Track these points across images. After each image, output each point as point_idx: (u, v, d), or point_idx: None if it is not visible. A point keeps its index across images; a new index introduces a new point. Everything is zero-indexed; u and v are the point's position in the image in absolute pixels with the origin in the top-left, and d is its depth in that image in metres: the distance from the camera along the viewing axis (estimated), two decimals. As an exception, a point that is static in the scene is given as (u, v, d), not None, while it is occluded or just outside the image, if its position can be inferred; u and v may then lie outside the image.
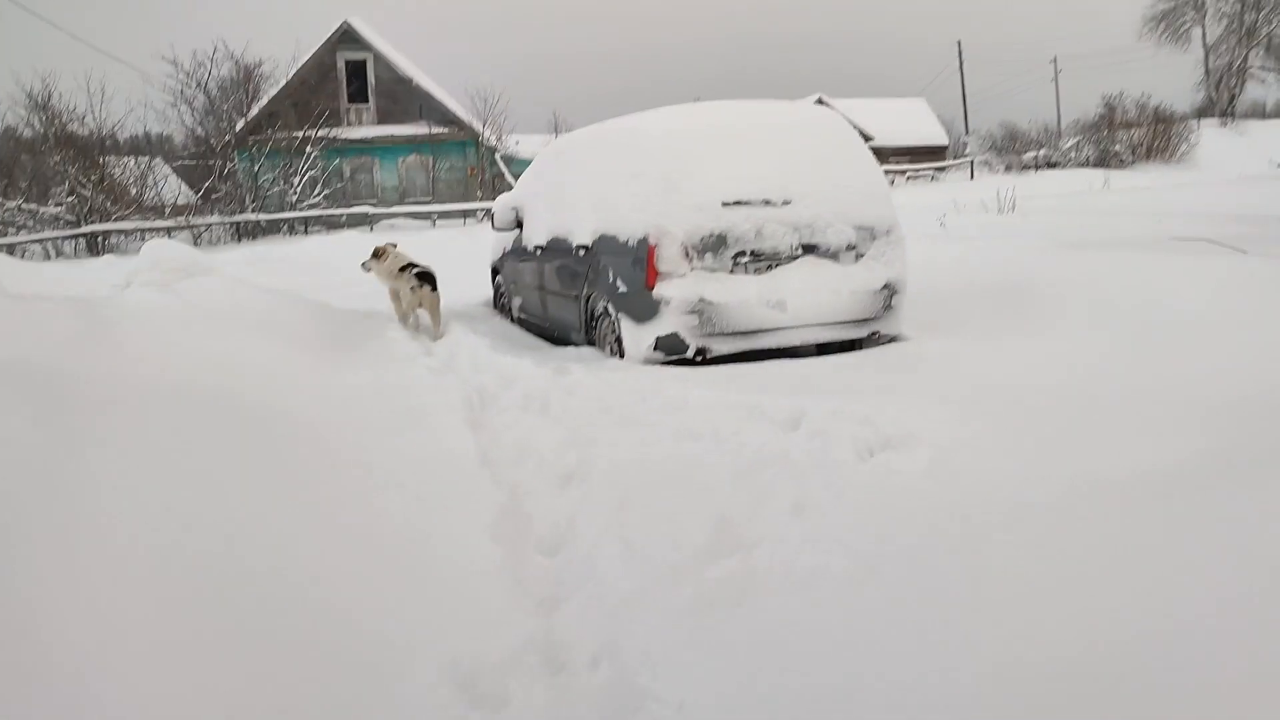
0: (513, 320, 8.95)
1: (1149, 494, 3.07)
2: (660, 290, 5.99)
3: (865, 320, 6.30)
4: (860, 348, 6.54)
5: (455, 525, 3.57)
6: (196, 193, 28.16)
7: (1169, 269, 7.02)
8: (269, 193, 26.61)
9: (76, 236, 24.45)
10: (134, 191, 27.25)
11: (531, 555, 3.59)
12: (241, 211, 26.35)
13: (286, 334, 6.19)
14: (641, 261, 6.06)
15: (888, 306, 6.35)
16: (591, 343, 7.02)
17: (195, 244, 25.04)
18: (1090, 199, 18.02)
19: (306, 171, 26.37)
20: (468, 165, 30.03)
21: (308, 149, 26.54)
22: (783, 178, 6.22)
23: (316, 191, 27.29)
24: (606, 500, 3.93)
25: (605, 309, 6.60)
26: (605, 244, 6.55)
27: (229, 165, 26.91)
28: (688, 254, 5.99)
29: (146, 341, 4.63)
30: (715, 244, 6.03)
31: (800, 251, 6.18)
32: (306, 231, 25.74)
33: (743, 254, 6.08)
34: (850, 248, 6.30)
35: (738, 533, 3.54)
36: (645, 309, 6.09)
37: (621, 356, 6.41)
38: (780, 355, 6.25)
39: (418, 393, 5.50)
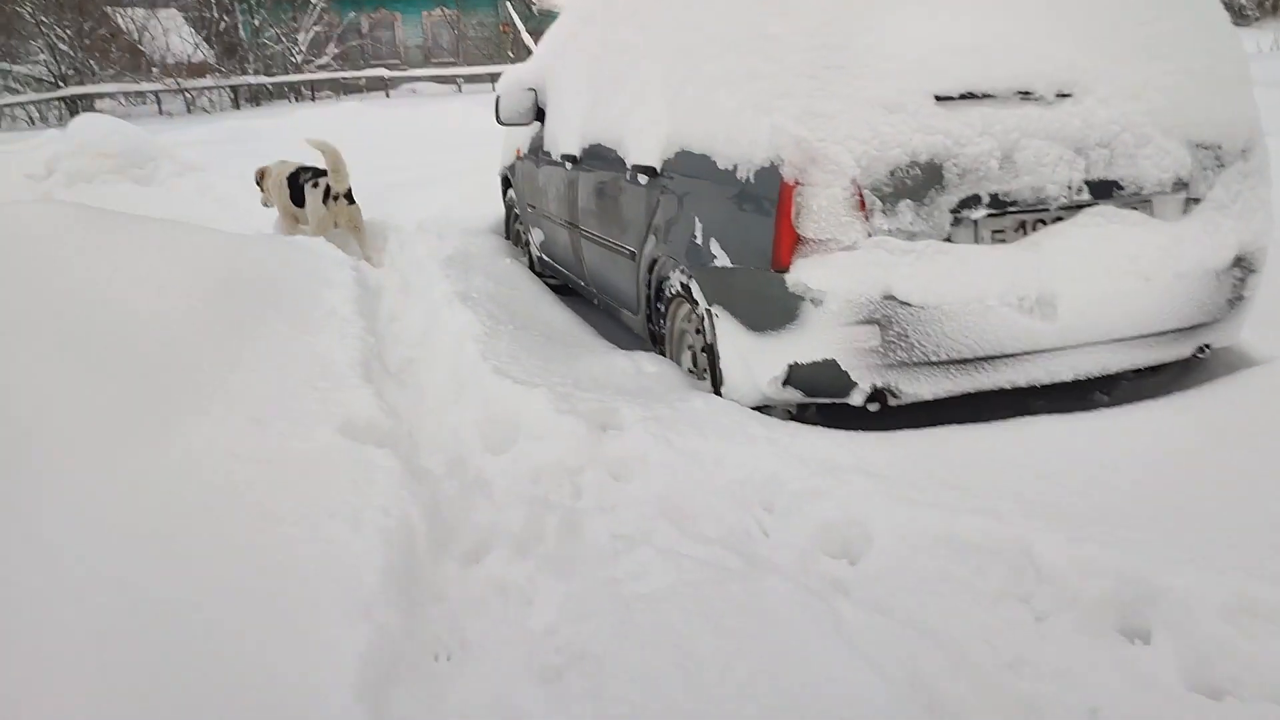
0: (531, 265, 5.94)
1: None
2: (804, 275, 2.97)
3: (1191, 328, 3.24)
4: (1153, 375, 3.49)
5: None
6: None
7: None
8: (271, 52, 23.24)
9: (53, 100, 21.41)
10: (139, 48, 23.99)
11: None
12: (242, 73, 23.08)
13: (113, 333, 3.30)
14: (765, 213, 3.03)
15: (1236, 299, 3.28)
16: (656, 341, 4.04)
17: (189, 110, 21.98)
18: (1269, 66, 14.21)
19: (312, 27, 22.89)
20: (499, 21, 26.22)
21: (313, 0, 22.98)
22: (1054, 43, 3.08)
23: (327, 51, 23.85)
24: None
25: (684, 289, 3.61)
26: (688, 167, 3.50)
27: (226, 20, 23.49)
28: (864, 203, 2.94)
29: None
30: (919, 182, 2.96)
31: (1086, 196, 3.09)
32: (314, 97, 22.49)
33: (974, 202, 3.01)
34: (1179, 185, 3.18)
35: None
36: (770, 308, 3.10)
37: (717, 389, 3.44)
38: (1022, 399, 3.23)
39: (301, 505, 2.59)
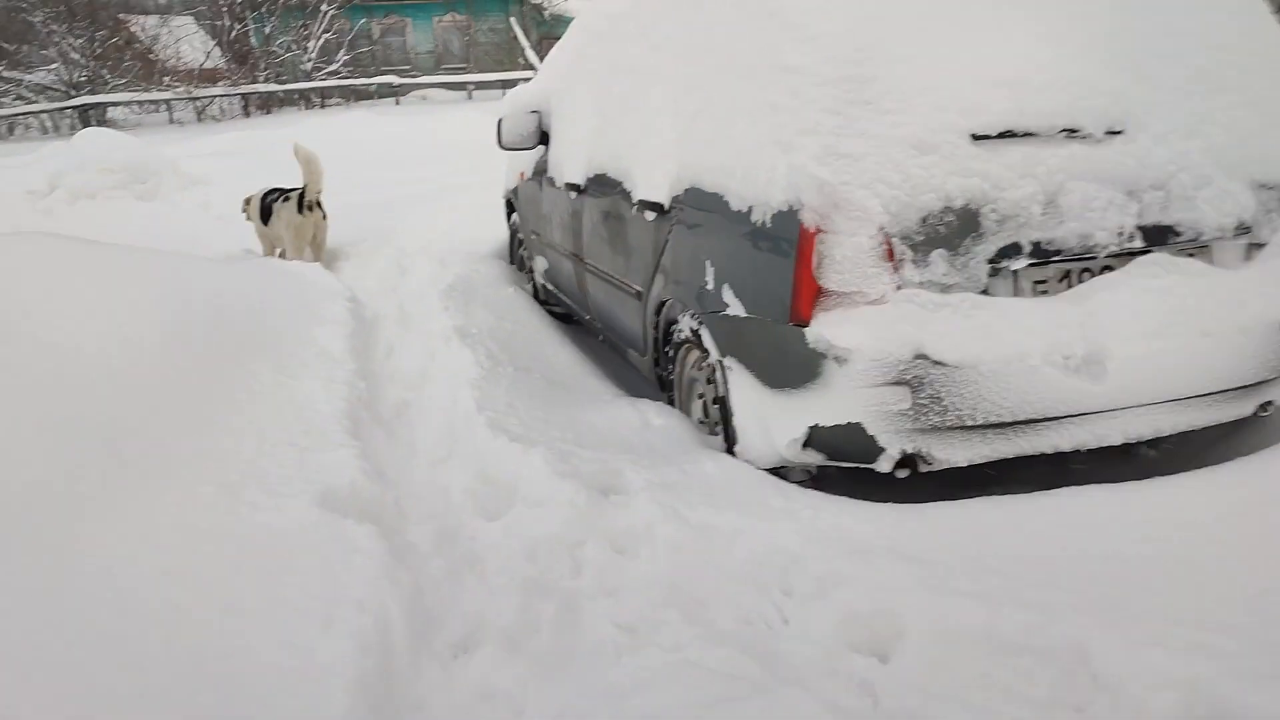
0: (535, 293, 5.67)
1: None
2: (826, 331, 2.70)
3: (1253, 385, 2.95)
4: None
5: None
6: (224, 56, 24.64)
7: None
8: (282, 59, 23.09)
9: (65, 109, 21.30)
10: (150, 56, 23.86)
11: None
12: (252, 81, 22.94)
13: (72, 388, 3.05)
14: (783, 261, 2.76)
15: (1301, 354, 2.98)
16: (665, 387, 3.78)
17: (199, 119, 21.88)
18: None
19: (322, 34, 22.73)
20: (510, 29, 26.04)
21: (323, 7, 22.81)
22: (1103, 74, 2.80)
23: (337, 57, 23.70)
24: None
25: (694, 335, 3.34)
26: (699, 205, 3.24)
27: (237, 27, 23.36)
28: (892, 253, 2.67)
29: None
30: (954, 230, 2.69)
31: (1138, 243, 2.81)
32: (323, 104, 22.32)
33: (1014, 251, 2.73)
34: (1241, 230, 2.90)
35: None
36: (789, 364, 2.83)
37: (730, 448, 3.17)
38: (1061, 458, 2.94)
39: (268, 598, 2.34)
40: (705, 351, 3.27)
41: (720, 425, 3.27)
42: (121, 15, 24.77)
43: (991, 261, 2.72)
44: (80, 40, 21.90)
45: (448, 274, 5.64)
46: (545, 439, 3.21)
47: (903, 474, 2.80)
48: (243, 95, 22.34)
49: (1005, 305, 2.72)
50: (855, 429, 2.74)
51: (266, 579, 2.37)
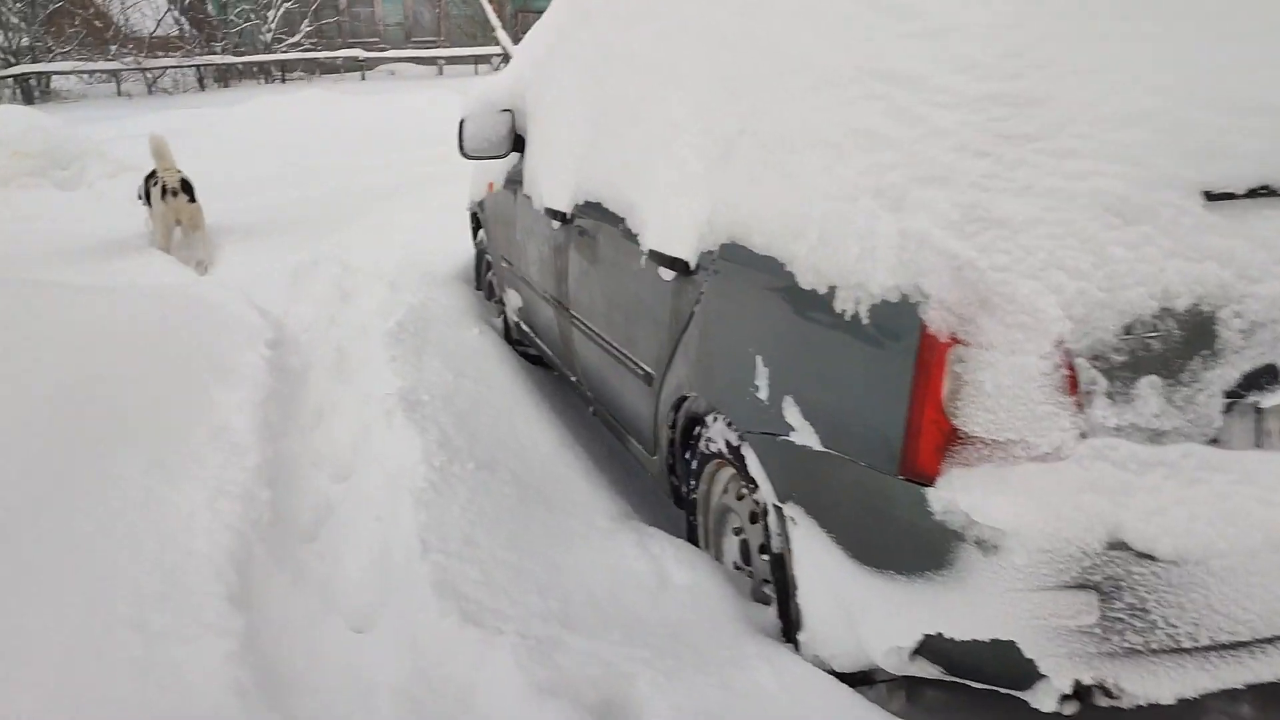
0: (506, 332, 4.61)
1: None
2: (964, 497, 1.70)
3: None
4: None
5: None
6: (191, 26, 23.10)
7: None
8: (240, 28, 21.70)
9: (4, 78, 19.83)
10: (97, 22, 22.36)
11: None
12: (209, 51, 21.53)
13: None
14: (892, 379, 1.75)
15: None
16: (679, 500, 2.76)
17: (149, 91, 20.49)
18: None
19: (284, 3, 21.36)
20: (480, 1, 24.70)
21: (284, -27, 21.49)
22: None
23: (300, 28, 22.31)
24: None
25: (732, 452, 2.32)
26: (743, 268, 2.22)
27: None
28: (1076, 381, 1.67)
29: None
30: (1175, 346, 1.69)
31: None
32: (285, 78, 20.97)
33: (1266, 378, 1.73)
34: None
35: None
36: (897, 536, 1.84)
37: (789, 631, 2.17)
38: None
39: None
40: (750, 482, 2.25)
41: (771, 586, 2.26)
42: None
43: (1229, 395, 1.72)
44: (20, 4, 20.38)
45: (399, 304, 4.59)
46: (517, 613, 2.19)
47: (1070, 710, 1.81)
48: (197, 67, 20.94)
49: (1250, 462, 1.73)
50: (1004, 648, 1.75)
51: None
